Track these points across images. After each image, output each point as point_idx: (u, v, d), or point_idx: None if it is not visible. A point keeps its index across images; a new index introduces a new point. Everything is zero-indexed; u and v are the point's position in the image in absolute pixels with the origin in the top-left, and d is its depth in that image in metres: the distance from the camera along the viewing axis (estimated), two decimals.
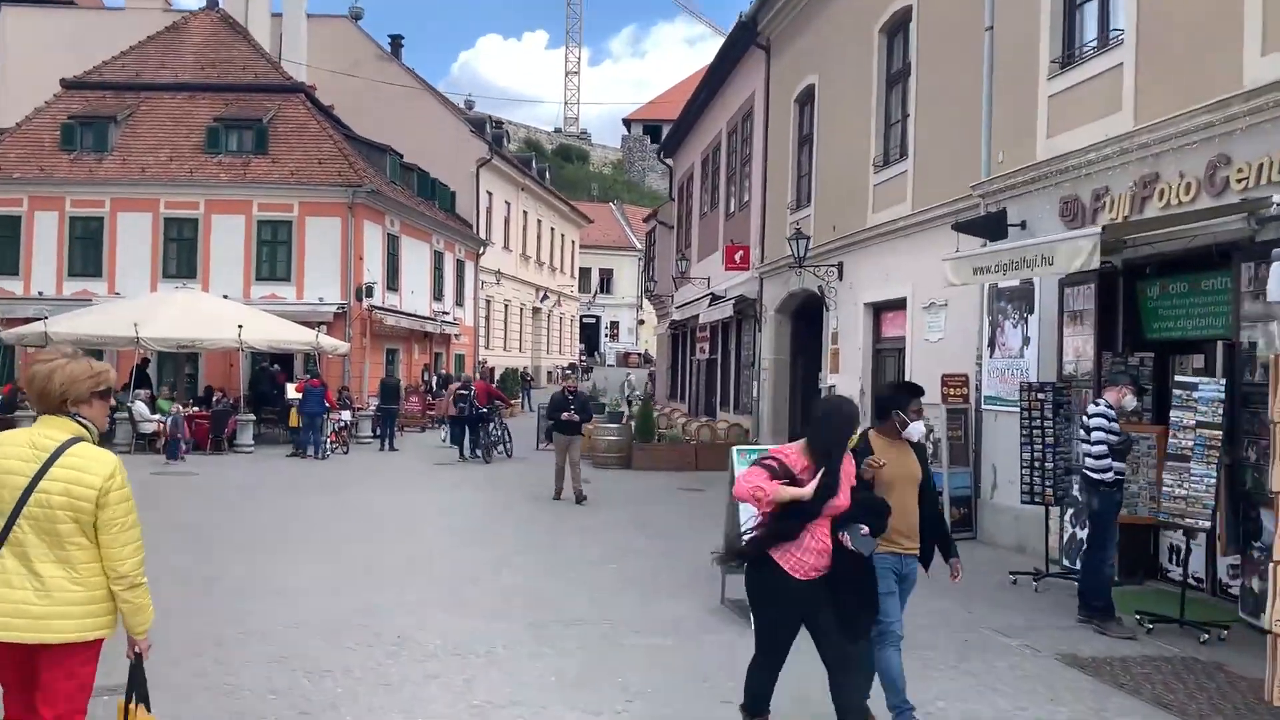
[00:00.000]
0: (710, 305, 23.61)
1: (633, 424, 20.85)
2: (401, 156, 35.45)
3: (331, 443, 22.00)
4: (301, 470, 19.00)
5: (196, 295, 23.71)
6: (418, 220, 34.08)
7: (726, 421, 21.81)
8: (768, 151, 20.58)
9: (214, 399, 22.82)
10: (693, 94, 27.85)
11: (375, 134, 34.91)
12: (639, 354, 65.09)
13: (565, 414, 14.66)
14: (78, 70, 32.88)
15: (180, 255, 29.99)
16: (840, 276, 16.31)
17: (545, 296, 50.23)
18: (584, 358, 61.30)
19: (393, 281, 32.30)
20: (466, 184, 40.53)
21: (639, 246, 67.70)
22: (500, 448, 21.63)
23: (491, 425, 21.89)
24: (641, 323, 68.27)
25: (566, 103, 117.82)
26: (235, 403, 21.90)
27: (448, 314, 36.72)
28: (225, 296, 26.61)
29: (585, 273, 63.87)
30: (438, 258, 36.44)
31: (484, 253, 41.06)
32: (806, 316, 19.82)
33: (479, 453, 21.10)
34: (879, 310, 15.31)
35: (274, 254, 29.98)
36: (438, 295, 36.35)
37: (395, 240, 32.49)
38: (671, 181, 33.27)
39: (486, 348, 42.56)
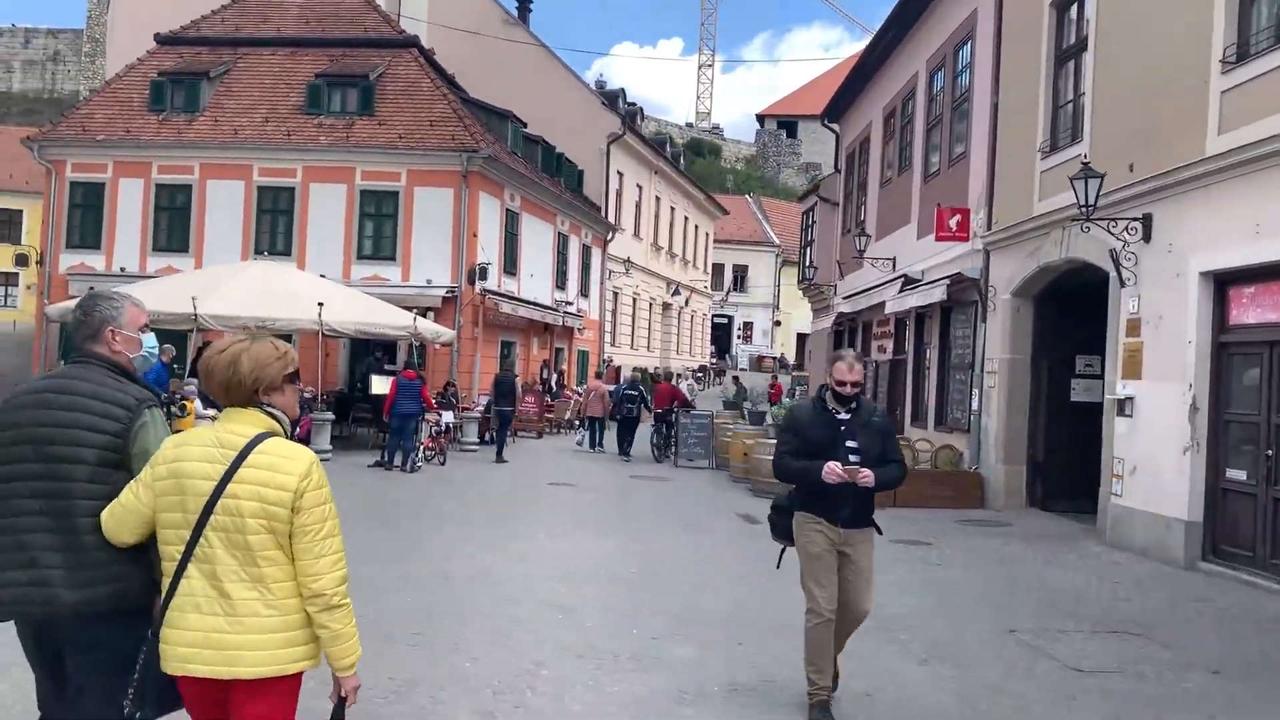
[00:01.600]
0: (902, 291, 18.50)
1: None
2: (525, 125, 31.30)
3: (427, 449, 17.77)
4: (378, 488, 14.72)
5: (274, 267, 19.81)
6: (541, 196, 29.85)
7: (928, 442, 16.66)
8: (999, 82, 15.38)
9: None
10: (872, 39, 22.73)
11: (497, 102, 30.84)
12: (774, 358, 59.90)
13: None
14: (178, 26, 29.85)
15: (275, 229, 26.45)
16: (1147, 235, 11.06)
17: (677, 291, 45.61)
18: (714, 360, 56.43)
19: (510, 265, 28.12)
20: (595, 162, 36.20)
21: (777, 242, 62.51)
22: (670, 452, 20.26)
23: (669, 429, 20.97)
24: (778, 324, 63.03)
25: (699, 97, 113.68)
26: (313, 398, 17.84)
27: (571, 304, 32.42)
28: (323, 276, 22.75)
29: (718, 269, 59.00)
30: (562, 241, 32.17)
31: (612, 239, 36.66)
32: (1061, 300, 14.55)
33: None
34: (1226, 283, 10.05)
35: (378, 229, 26.13)
36: (560, 283, 32.08)
37: (515, 218, 28.31)
38: (838, 150, 28.14)
39: (613, 344, 38.15)
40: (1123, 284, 11.38)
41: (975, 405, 15.59)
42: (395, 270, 25.88)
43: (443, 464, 17.68)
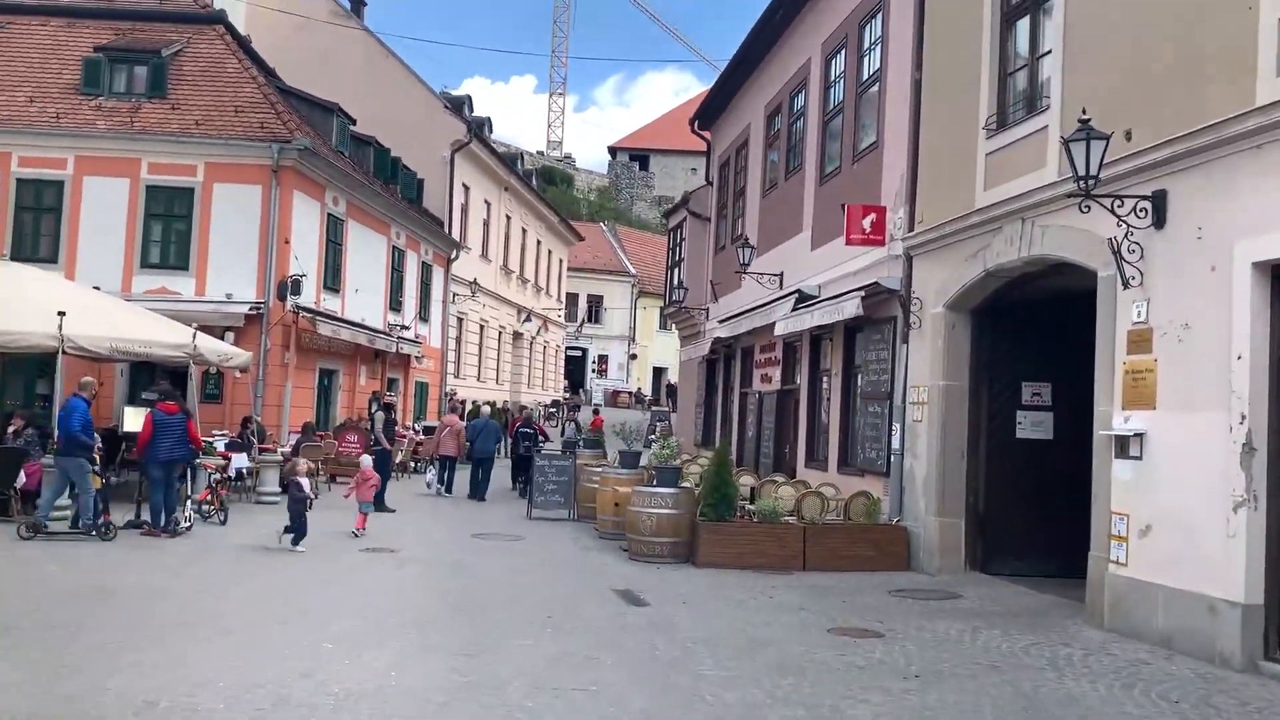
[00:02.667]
0: (795, 309, 15.65)
1: (697, 489, 12.81)
2: (354, 122, 27.38)
3: (203, 504, 13.71)
4: (107, 566, 10.66)
5: (13, 271, 15.41)
6: (372, 202, 25.95)
7: (833, 488, 13.73)
8: (923, 57, 12.72)
9: (10, 430, 14.39)
10: (751, 31, 20.00)
11: (321, 94, 26.81)
12: (630, 393, 57.02)
13: None
14: None
15: (37, 229, 21.75)
16: (1159, 219, 8.37)
17: (529, 319, 42.09)
18: (568, 394, 53.04)
19: (332, 280, 24.07)
20: (438, 172, 32.50)
21: (633, 272, 59.92)
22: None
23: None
24: (634, 357, 60.24)
25: (550, 125, 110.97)
26: (35, 436, 13.53)
27: (408, 329, 28.49)
28: (96, 288, 18.29)
29: (572, 299, 55.85)
30: (397, 256, 28.27)
31: (457, 258, 32.93)
32: (1005, 314, 11.87)
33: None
34: None
35: (168, 232, 21.75)
36: (395, 304, 28.13)
37: (339, 225, 24.32)
38: (709, 160, 25.37)
39: (457, 375, 34.29)
40: (1125, 285, 8.63)
41: (896, 444, 12.72)
42: (188, 282, 21.50)
43: (222, 523, 13.63)
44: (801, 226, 17.19)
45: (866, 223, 13.41)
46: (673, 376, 61.49)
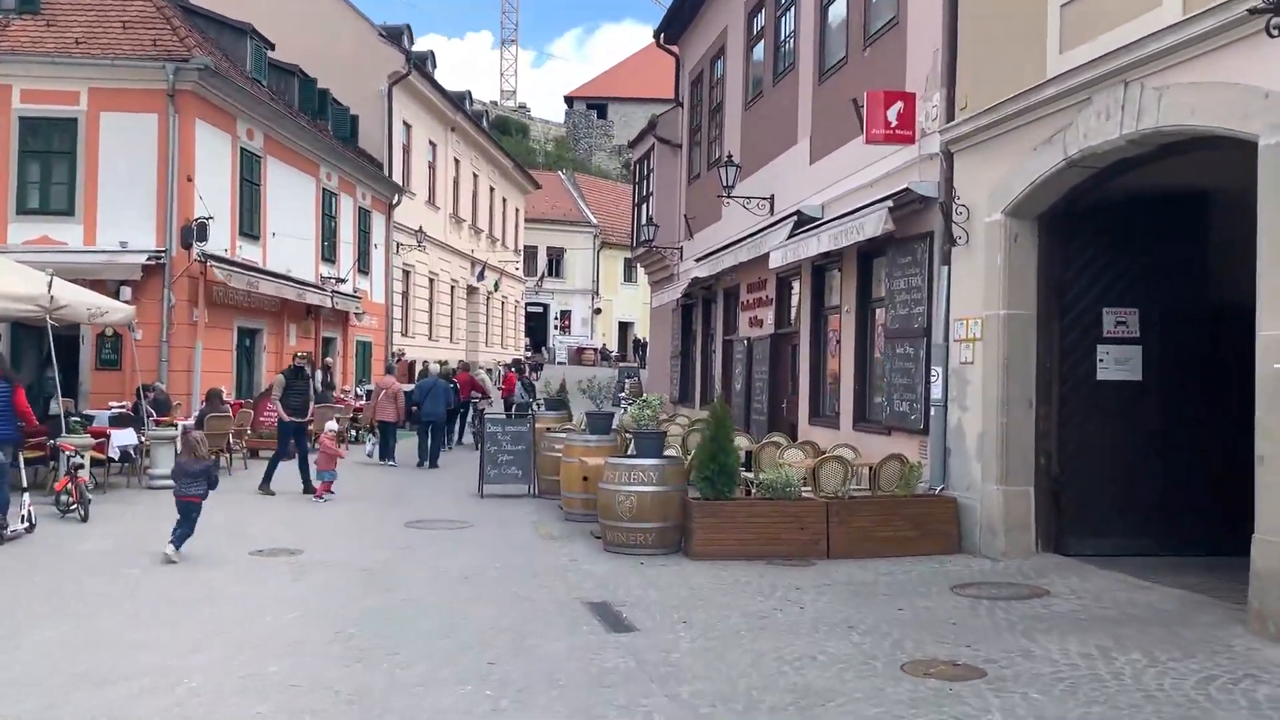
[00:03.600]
0: (795, 236, 12.88)
1: (687, 458, 10.12)
2: (271, 47, 24.07)
3: (60, 496, 10.82)
4: None
5: None
6: (296, 137, 22.74)
7: (853, 449, 11.08)
8: None
9: None
10: None
11: (232, 14, 23.42)
12: (595, 349, 54.18)
13: None
14: None
15: None
16: None
17: (483, 273, 39.01)
18: (530, 353, 50.10)
19: (250, 225, 20.92)
20: (374, 109, 29.19)
21: (595, 222, 56.81)
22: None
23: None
24: (598, 312, 57.32)
25: (503, 75, 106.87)
26: None
27: (344, 282, 25.41)
28: None
29: (530, 252, 52.70)
30: (328, 199, 25.11)
31: (399, 203, 29.74)
32: (1089, 220, 9.18)
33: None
34: None
35: (48, 171, 18.50)
36: (328, 254, 25.02)
37: (255, 162, 21.12)
38: (678, 77, 22.35)
39: (405, 334, 31.25)
40: None
41: (937, 393, 10.04)
42: (74, 230, 18.30)
43: (83, 519, 10.72)
44: (796, 137, 14.37)
45: (891, 114, 10.61)
46: (640, 331, 58.72)
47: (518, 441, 13.96)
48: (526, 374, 30.67)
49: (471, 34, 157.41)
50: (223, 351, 19.69)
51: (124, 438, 13.19)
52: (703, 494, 9.35)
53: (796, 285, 14.54)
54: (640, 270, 59.34)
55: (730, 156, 15.35)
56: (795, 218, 13.37)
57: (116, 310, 13.48)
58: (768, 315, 15.58)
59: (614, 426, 12.28)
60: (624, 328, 59.90)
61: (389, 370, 21.55)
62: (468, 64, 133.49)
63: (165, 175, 18.27)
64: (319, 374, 22.99)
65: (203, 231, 18.27)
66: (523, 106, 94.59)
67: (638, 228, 23.85)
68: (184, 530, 9.11)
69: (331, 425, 14.24)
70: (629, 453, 10.26)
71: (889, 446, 10.81)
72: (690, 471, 9.89)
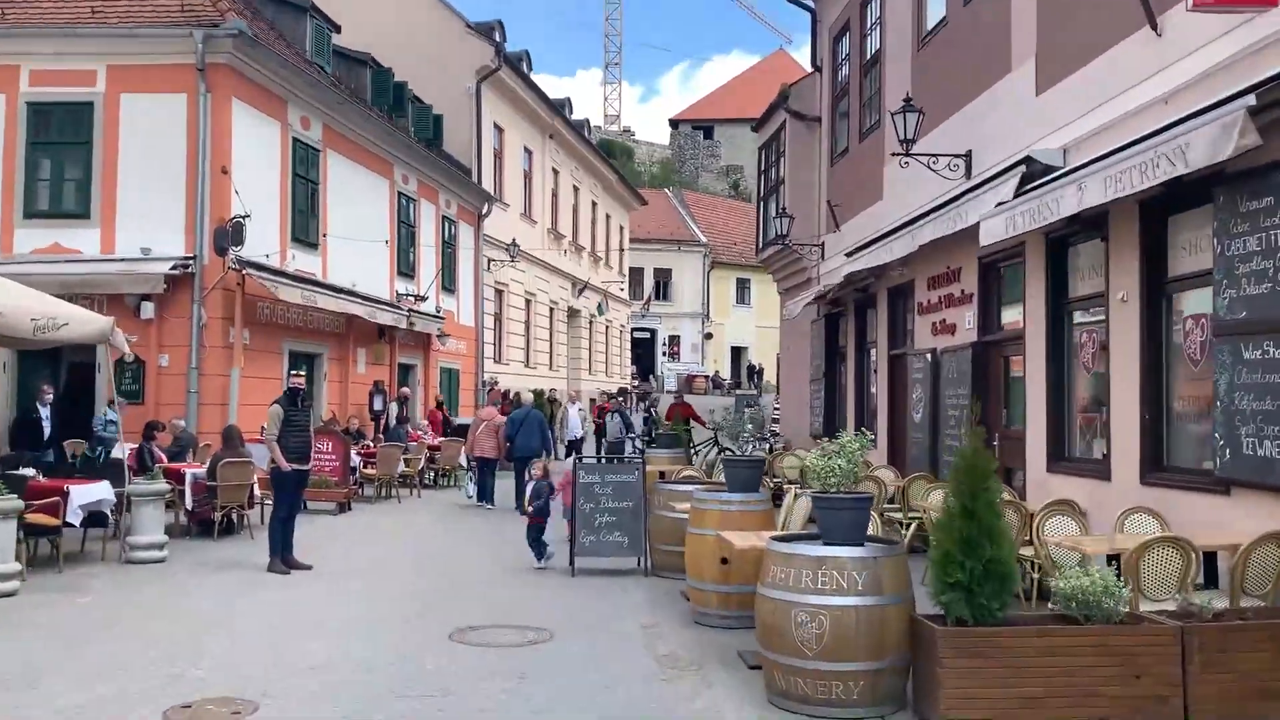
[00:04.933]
0: (1022, 195, 8.66)
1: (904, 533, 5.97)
2: (337, 30, 20.96)
3: None
4: None
5: None
6: (363, 130, 19.48)
7: (1151, 516, 6.76)
8: None
9: None
10: None
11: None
12: (707, 376, 50.11)
13: None
14: None
15: None
16: None
17: (585, 291, 35.40)
18: (637, 381, 46.35)
19: (306, 230, 17.63)
20: (461, 107, 25.92)
21: (704, 240, 52.94)
22: None
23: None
24: (709, 337, 53.29)
25: (607, 99, 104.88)
26: None
27: (424, 300, 22.01)
28: None
29: (636, 274, 49.08)
30: (406, 206, 21.81)
31: (489, 213, 26.35)
32: None
33: None
34: None
35: (60, 166, 15.49)
36: (404, 269, 21.67)
37: (312, 156, 17.87)
38: (814, 41, 18.25)
39: (497, 360, 27.77)
40: None
41: None
42: (90, 235, 15.22)
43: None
44: (1010, 62, 10.15)
45: None
46: (755, 357, 54.50)
47: (622, 496, 9.96)
48: (627, 404, 26.21)
49: (581, 70, 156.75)
50: (269, 380, 16.31)
51: (89, 494, 9.68)
52: (950, 612, 5.18)
53: (1015, 271, 10.27)
54: (756, 290, 55.41)
55: (909, 99, 11.16)
56: (1021, 169, 9.14)
57: (82, 321, 10.01)
58: (964, 317, 11.29)
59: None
60: (737, 353, 55.76)
61: (491, 402, 18.00)
62: (574, 95, 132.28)
63: (195, 167, 15.08)
64: (393, 406, 19.61)
65: (238, 233, 14.94)
66: (627, 130, 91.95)
67: (764, 225, 19.75)
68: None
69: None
70: (801, 531, 6.19)
71: (1230, 514, 6.48)
72: (923, 569, 5.76)
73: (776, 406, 30.76)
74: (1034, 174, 8.98)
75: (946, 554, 5.18)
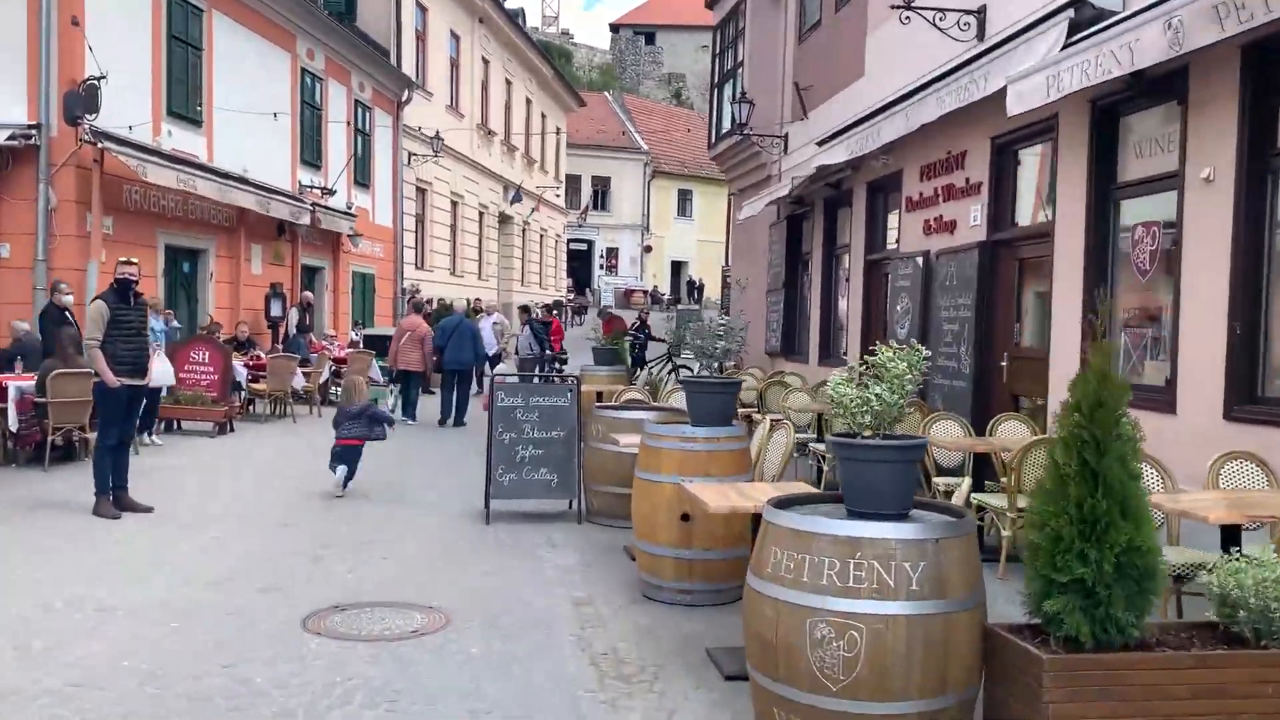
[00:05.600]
0: (1072, 45, 6.71)
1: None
2: None
3: None
4: None
5: None
6: None
7: (1251, 458, 4.96)
8: None
9: None
10: None
11: None
12: (646, 291, 48.06)
13: None
14: None
15: None
16: None
17: (518, 196, 32.89)
18: (573, 294, 44.17)
19: (184, 103, 15.01)
20: None
21: (645, 148, 50.33)
22: None
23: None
24: (649, 250, 51.09)
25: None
26: None
27: (333, 194, 19.49)
28: None
29: (573, 181, 46.48)
30: (310, 85, 19.14)
31: (409, 101, 23.67)
32: None
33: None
34: None
35: None
36: (310, 157, 19.10)
37: (192, 17, 15.15)
38: None
39: (419, 267, 25.37)
40: None
41: None
42: None
43: None
44: None
45: None
46: (695, 272, 52.46)
47: (551, 424, 7.95)
48: (541, 316, 21.55)
49: None
50: (143, 279, 13.84)
51: None
52: (1061, 627, 3.29)
53: (1039, 152, 8.35)
54: (698, 202, 52.89)
55: None
56: (1067, 14, 7.15)
57: None
58: (968, 212, 9.36)
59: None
60: (677, 268, 53.69)
61: (415, 308, 15.80)
62: None
63: (38, 17, 12.37)
64: (294, 312, 17.29)
65: (92, 98, 12.35)
66: (565, 33, 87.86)
67: (718, 116, 17.55)
68: (348, 471, 8.62)
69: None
70: (790, 484, 4.28)
71: None
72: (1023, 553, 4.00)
73: (722, 322, 28.96)
74: (1083, 22, 7.00)
75: (1056, 539, 3.28)
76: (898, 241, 11.00)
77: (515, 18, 33.84)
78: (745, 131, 14.96)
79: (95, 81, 12.32)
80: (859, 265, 12.12)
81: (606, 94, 55.13)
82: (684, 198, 53.14)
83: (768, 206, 14.73)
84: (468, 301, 24.27)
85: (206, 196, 14.71)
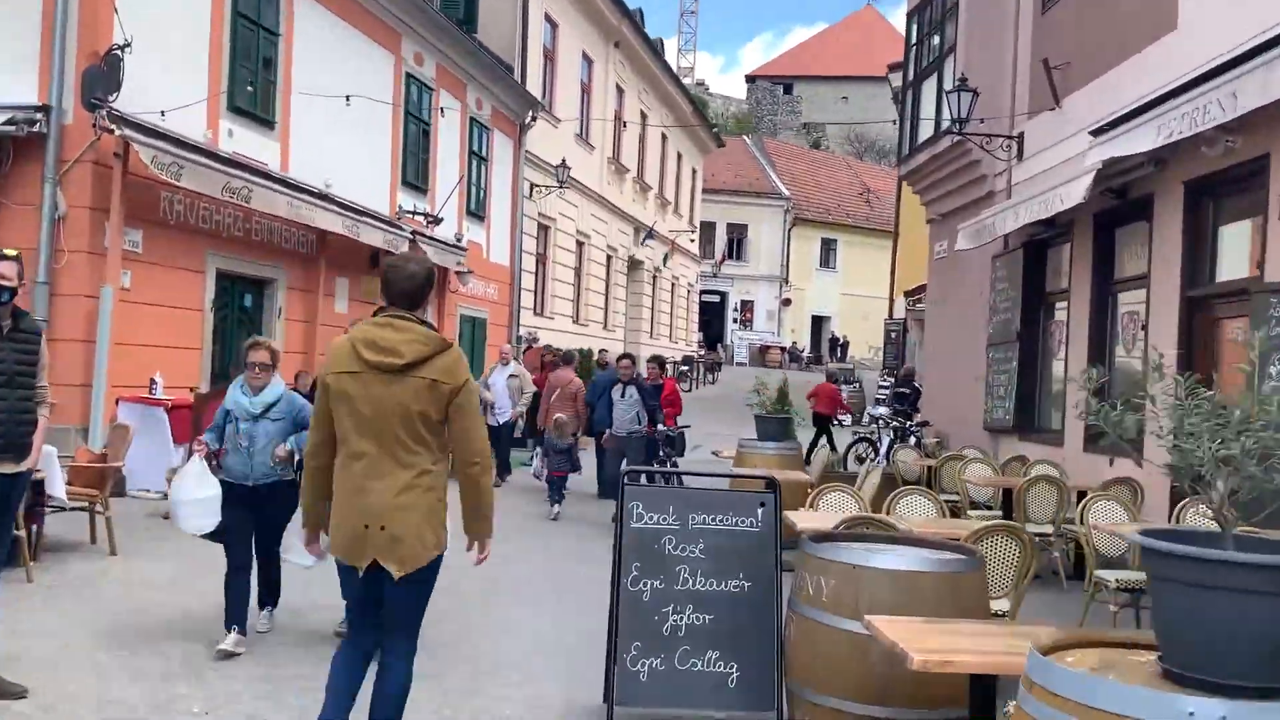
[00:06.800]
0: None
1: None
2: None
3: None
4: None
5: None
6: None
7: None
8: None
9: None
10: None
11: None
12: (782, 348, 44.16)
13: None
14: None
15: None
16: None
17: (650, 236, 29.62)
18: (703, 350, 40.59)
19: (252, 97, 12.17)
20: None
21: (786, 194, 46.69)
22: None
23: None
24: (787, 303, 47.19)
25: (680, 51, 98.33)
26: None
27: (439, 222, 16.49)
28: None
29: (707, 229, 43.11)
30: (418, 96, 16.28)
31: (533, 123, 20.72)
32: None
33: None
34: None
35: None
36: (412, 178, 16.18)
37: (268, 2, 12.40)
38: None
39: (538, 312, 22.24)
40: None
41: None
42: None
43: None
44: None
45: None
46: (838, 328, 48.24)
47: (726, 569, 4.30)
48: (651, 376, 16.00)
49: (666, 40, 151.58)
50: (175, 310, 10.88)
51: None
52: None
53: None
54: (843, 252, 48.40)
55: None
56: None
57: None
58: None
59: None
60: (817, 323, 49.63)
61: (565, 360, 12.56)
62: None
63: None
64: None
65: (113, 72, 9.49)
66: (700, 83, 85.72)
67: (914, 120, 13.75)
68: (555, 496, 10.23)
69: None
70: None
71: None
72: None
73: (883, 385, 24.90)
74: None
75: None
76: (1260, 267, 7.01)
77: (654, 45, 30.92)
78: (962, 132, 11.14)
79: (118, 51, 9.46)
80: (1170, 304, 8.11)
81: (745, 138, 51.88)
82: (827, 247, 49.27)
83: (988, 238, 10.81)
84: (594, 353, 21.03)
85: (271, 212, 11.75)
